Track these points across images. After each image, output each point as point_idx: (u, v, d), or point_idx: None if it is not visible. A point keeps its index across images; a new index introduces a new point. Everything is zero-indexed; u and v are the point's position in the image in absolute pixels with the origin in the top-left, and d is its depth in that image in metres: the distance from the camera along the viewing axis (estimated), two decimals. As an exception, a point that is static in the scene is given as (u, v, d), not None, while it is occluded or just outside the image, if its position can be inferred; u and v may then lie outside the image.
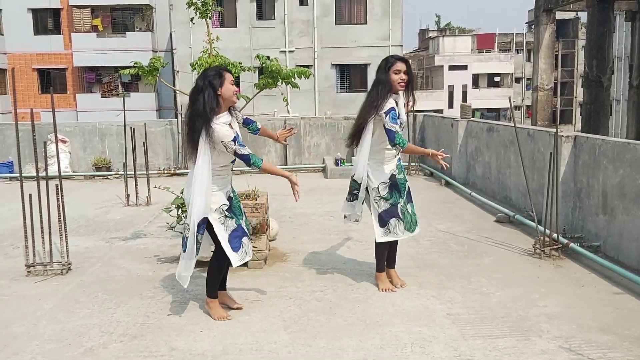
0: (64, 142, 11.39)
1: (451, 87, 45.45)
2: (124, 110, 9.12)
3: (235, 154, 3.76)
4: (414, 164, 10.63)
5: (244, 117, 4.15)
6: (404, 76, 4.27)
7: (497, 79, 47.48)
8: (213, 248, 4.01)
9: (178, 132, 11.91)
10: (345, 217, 4.66)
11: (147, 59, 5.70)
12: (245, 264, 5.06)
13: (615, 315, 3.97)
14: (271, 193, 6.52)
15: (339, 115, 13.43)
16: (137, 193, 8.20)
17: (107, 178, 11.12)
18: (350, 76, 27.08)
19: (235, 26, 25.98)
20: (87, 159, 11.84)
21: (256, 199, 5.35)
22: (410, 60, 4.42)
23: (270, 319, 3.98)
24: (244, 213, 4.14)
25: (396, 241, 4.57)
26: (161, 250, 5.81)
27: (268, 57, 5.49)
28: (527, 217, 6.41)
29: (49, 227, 5.08)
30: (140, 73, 5.57)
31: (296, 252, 5.66)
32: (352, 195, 4.51)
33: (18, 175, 5.09)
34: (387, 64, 4.30)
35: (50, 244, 5.06)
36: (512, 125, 6.71)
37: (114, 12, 30.98)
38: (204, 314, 4.09)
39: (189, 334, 3.77)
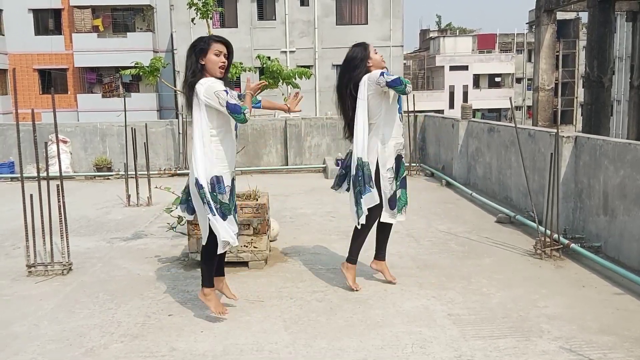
0: (64, 142, 11.40)
1: (452, 88, 45.46)
2: (125, 111, 9.12)
3: (227, 105, 3.62)
4: (414, 164, 10.63)
5: (239, 93, 4.03)
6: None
7: (497, 79, 47.51)
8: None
9: (179, 133, 11.92)
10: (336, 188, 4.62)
11: (148, 60, 5.71)
12: (246, 264, 5.07)
13: (616, 316, 3.97)
14: (272, 193, 6.53)
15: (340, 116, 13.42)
16: (137, 193, 8.21)
17: (108, 178, 11.12)
18: (351, 77, 27.08)
19: (236, 26, 26.02)
20: (88, 159, 11.85)
21: (257, 200, 5.35)
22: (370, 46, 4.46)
23: (271, 320, 3.99)
24: (235, 206, 4.02)
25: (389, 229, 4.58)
26: (162, 250, 5.81)
27: (269, 58, 5.49)
28: (527, 218, 6.41)
29: (50, 227, 5.08)
30: (141, 73, 5.58)
31: (297, 252, 5.66)
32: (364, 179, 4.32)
33: (19, 175, 5.10)
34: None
35: (51, 244, 5.06)
36: (513, 125, 6.71)
37: (115, 13, 31.03)
38: (204, 314, 4.09)
39: (189, 335, 3.77)
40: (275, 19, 26.46)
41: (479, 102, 42.90)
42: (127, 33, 30.64)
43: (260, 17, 26.49)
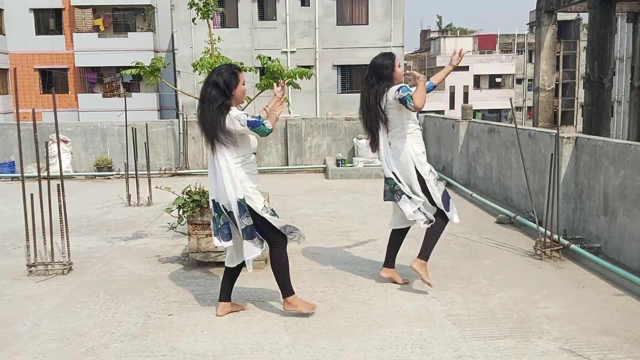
0: (65, 142, 11.41)
1: (452, 88, 45.46)
2: (126, 111, 9.13)
3: (248, 123, 3.75)
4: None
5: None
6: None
7: (498, 80, 47.50)
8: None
9: (179, 133, 11.92)
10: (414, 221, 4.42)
11: (148, 59, 5.71)
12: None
13: (616, 317, 3.97)
14: (272, 194, 6.53)
15: (340, 116, 13.43)
16: (138, 193, 8.21)
17: (109, 178, 11.13)
18: (351, 77, 27.07)
19: (237, 27, 25.99)
20: (88, 159, 11.86)
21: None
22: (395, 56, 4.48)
23: (271, 320, 3.99)
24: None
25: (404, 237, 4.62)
26: (162, 250, 5.82)
27: (269, 58, 5.49)
28: (528, 219, 6.41)
29: (51, 227, 5.08)
30: (141, 73, 5.58)
31: (297, 252, 5.66)
32: (397, 193, 4.34)
33: (20, 175, 5.10)
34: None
35: (52, 244, 5.07)
36: (513, 126, 6.71)
37: (116, 12, 31.03)
38: (205, 314, 4.10)
39: (189, 334, 3.77)
40: (276, 19, 26.44)
41: (480, 102, 42.90)
42: (128, 33, 30.63)
43: (261, 17, 26.47)
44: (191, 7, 5.59)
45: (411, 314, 4.06)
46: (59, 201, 5.01)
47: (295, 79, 5.48)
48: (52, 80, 30.25)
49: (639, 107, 16.81)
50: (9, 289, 4.71)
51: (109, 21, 30.66)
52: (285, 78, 4.54)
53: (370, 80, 4.36)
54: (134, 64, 5.61)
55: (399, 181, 4.35)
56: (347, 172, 10.67)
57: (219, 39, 5.62)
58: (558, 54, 41.41)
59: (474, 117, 9.81)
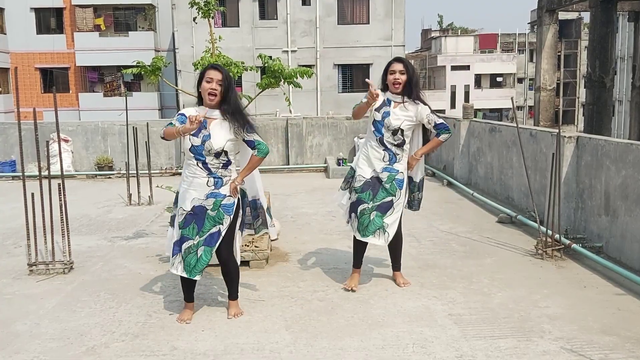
0: (66, 141, 11.41)
1: (453, 88, 45.39)
2: (126, 110, 9.12)
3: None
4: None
5: (249, 140, 3.84)
6: (398, 76, 4.29)
7: (499, 79, 47.42)
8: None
9: (180, 132, 11.90)
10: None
11: (149, 59, 5.70)
12: (247, 264, 5.07)
13: (617, 317, 3.97)
14: (273, 193, 6.53)
15: (341, 115, 13.43)
16: (139, 192, 8.21)
17: (110, 177, 11.13)
18: (352, 76, 27.06)
19: (238, 26, 25.98)
20: (89, 158, 11.86)
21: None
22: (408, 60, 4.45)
23: (272, 319, 3.99)
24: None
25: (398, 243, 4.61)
26: (163, 249, 5.79)
27: (270, 57, 5.48)
28: (529, 218, 6.40)
29: (51, 226, 5.08)
30: (142, 72, 5.56)
31: (298, 252, 5.66)
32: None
33: (21, 174, 5.09)
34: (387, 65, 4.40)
35: (53, 243, 5.06)
36: (515, 125, 6.70)
37: (117, 12, 31.00)
38: (205, 313, 4.10)
39: (190, 334, 3.77)
40: (277, 19, 26.42)
41: (481, 102, 42.82)
42: (129, 32, 30.60)
43: (262, 16, 26.45)
44: (192, 6, 5.59)
45: (412, 313, 4.06)
46: (60, 200, 5.00)
47: (296, 78, 5.47)
48: (53, 80, 30.23)
49: (640, 106, 16.79)
50: (10, 288, 4.71)
51: (110, 20, 30.64)
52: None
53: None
54: (134, 63, 5.61)
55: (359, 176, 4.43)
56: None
57: (219, 38, 5.61)
58: (559, 53, 41.33)
59: (475, 117, 9.81)
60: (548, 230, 5.40)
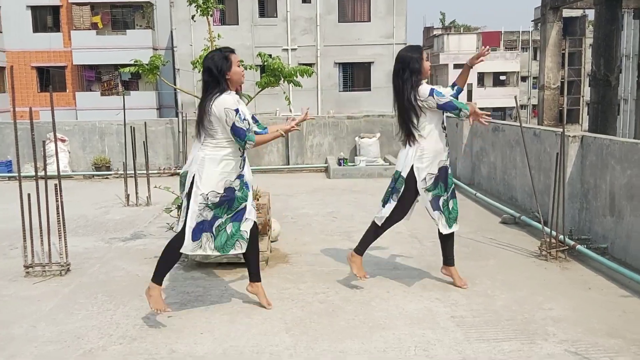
0: (63, 141, 11.34)
1: (455, 86, 45.31)
2: (124, 109, 9.06)
3: (233, 126, 3.72)
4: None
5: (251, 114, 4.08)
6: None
7: (502, 77, 47.39)
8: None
9: (179, 131, 11.85)
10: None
11: (147, 57, 5.66)
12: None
13: (623, 319, 3.91)
14: (273, 193, 6.46)
15: (342, 115, 13.37)
16: (137, 193, 8.14)
17: (107, 178, 11.06)
18: (353, 75, 27.01)
19: (237, 24, 25.94)
20: (86, 158, 11.79)
21: (258, 199, 5.28)
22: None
23: (272, 321, 3.93)
24: (241, 214, 3.95)
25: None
26: (161, 251, 5.73)
27: (270, 55, 5.42)
28: (533, 219, 6.34)
29: (48, 227, 5.02)
30: (140, 71, 5.50)
31: (298, 253, 5.60)
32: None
33: (17, 174, 5.04)
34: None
35: (49, 245, 5.01)
36: (518, 124, 6.64)
37: (114, 10, 30.96)
38: (205, 315, 4.04)
39: (189, 337, 3.71)
40: (276, 16, 26.37)
41: (484, 100, 42.79)
42: (127, 30, 30.54)
43: (262, 14, 26.40)
44: (190, 4, 5.52)
45: (414, 315, 4.00)
46: (57, 201, 4.95)
47: (296, 76, 5.41)
48: (49, 79, 30.17)
49: (643, 105, 16.73)
50: (6, 290, 4.65)
51: (107, 18, 30.58)
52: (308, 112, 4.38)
53: (403, 75, 4.27)
54: (132, 62, 5.54)
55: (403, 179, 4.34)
56: (349, 172, 10.60)
57: (218, 36, 5.55)
58: (563, 52, 41.29)
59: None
60: (552, 231, 5.34)
